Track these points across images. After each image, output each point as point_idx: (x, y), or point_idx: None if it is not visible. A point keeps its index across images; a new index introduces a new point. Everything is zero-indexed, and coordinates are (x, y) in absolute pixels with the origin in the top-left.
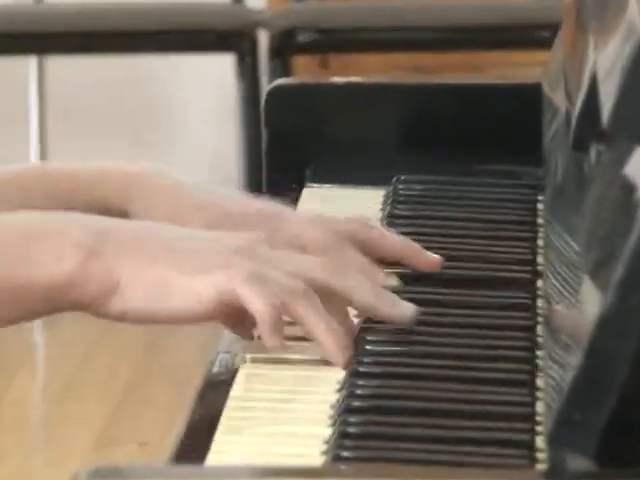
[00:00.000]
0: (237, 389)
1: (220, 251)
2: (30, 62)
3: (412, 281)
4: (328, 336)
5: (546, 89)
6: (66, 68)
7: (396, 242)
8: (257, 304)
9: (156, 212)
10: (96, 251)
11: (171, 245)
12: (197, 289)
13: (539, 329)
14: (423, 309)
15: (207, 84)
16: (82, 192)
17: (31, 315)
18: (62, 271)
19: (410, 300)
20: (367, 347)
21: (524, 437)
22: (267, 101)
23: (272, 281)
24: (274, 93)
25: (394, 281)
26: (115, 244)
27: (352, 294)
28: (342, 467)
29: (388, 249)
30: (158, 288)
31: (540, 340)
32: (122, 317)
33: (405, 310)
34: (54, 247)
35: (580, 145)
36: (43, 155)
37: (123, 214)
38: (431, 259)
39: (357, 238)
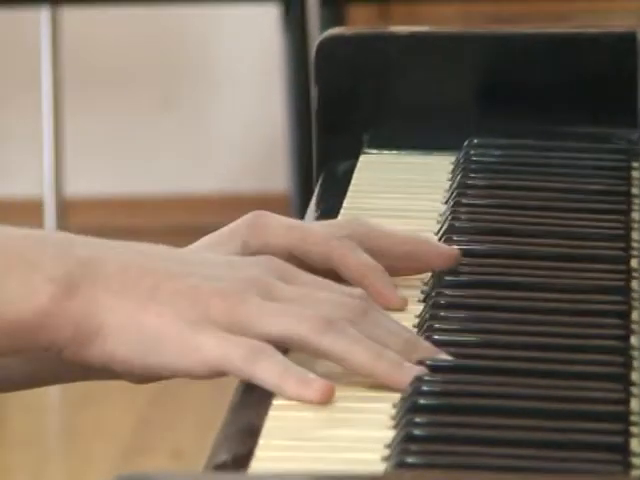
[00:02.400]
0: None
1: (226, 293)
2: (42, 14)
3: (487, 257)
4: (377, 364)
5: None
6: (84, 21)
7: (404, 239)
8: (273, 385)
9: None
10: (74, 287)
11: (167, 283)
12: (198, 346)
13: (635, 315)
14: (498, 293)
15: (248, 38)
16: None
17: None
18: (31, 309)
19: (481, 283)
20: (435, 337)
21: (617, 439)
22: (317, 54)
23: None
24: (325, 45)
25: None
26: (98, 279)
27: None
28: (407, 474)
29: (397, 250)
30: (149, 338)
31: (635, 327)
32: (104, 367)
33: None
34: (23, 280)
35: None
36: (57, 126)
37: None
38: (447, 252)
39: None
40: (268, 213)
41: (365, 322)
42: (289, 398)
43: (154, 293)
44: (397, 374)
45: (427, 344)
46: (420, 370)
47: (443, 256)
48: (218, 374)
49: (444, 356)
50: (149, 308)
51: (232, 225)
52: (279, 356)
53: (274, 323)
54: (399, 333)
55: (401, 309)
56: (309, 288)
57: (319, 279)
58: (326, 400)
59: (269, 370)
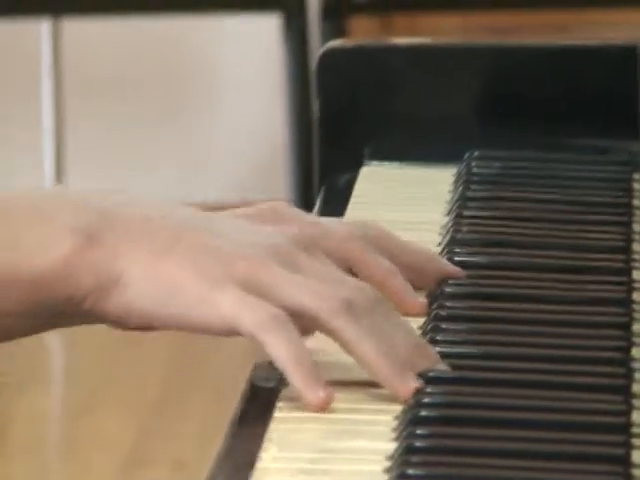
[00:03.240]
0: (286, 397)
1: (249, 256)
2: (43, 25)
3: (488, 269)
4: (384, 366)
5: None
6: (85, 32)
7: (414, 250)
8: (284, 363)
9: None
10: (94, 237)
11: (189, 236)
12: (216, 302)
13: (636, 326)
14: (499, 305)
15: (249, 49)
16: None
17: (22, 308)
18: (52, 259)
19: (482, 295)
20: (437, 348)
21: (618, 451)
22: (319, 66)
23: (310, 291)
24: (327, 57)
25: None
26: (119, 229)
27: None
28: None
29: (405, 259)
30: (168, 289)
31: (636, 339)
32: (123, 318)
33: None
34: (42, 231)
35: None
36: (58, 136)
37: None
38: (453, 274)
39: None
40: (290, 205)
41: (380, 314)
42: (291, 383)
43: (175, 245)
44: (398, 379)
45: (434, 352)
46: (420, 384)
47: (449, 277)
48: (235, 332)
49: (444, 367)
50: (169, 259)
51: (257, 207)
52: (295, 333)
53: (292, 294)
54: (411, 334)
55: (421, 314)
56: (332, 267)
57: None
58: (322, 410)
59: (282, 346)
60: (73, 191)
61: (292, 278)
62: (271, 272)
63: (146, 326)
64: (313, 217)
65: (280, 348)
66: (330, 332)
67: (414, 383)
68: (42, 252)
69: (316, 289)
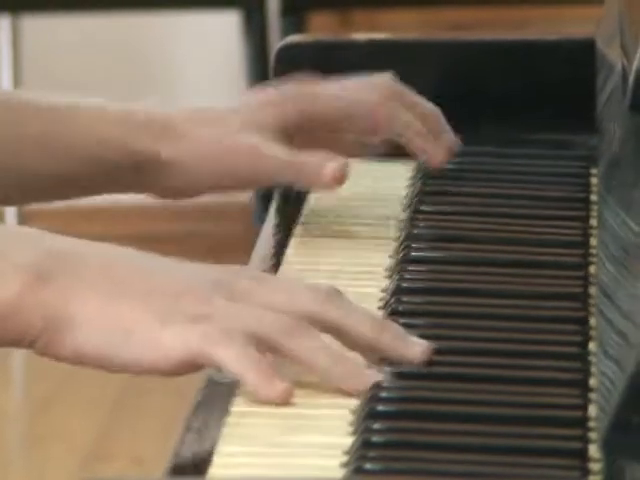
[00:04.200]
0: (243, 393)
1: (195, 290)
2: (2, 22)
3: (446, 264)
4: (336, 368)
5: (600, 45)
6: (44, 29)
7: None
8: (236, 367)
9: (191, 149)
10: (44, 277)
11: (139, 278)
12: (164, 342)
13: (593, 321)
14: (457, 299)
15: (209, 46)
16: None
17: None
18: (2, 301)
19: (440, 290)
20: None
21: (575, 445)
22: (276, 61)
23: (255, 320)
24: (285, 52)
25: None
26: (69, 270)
27: (351, 327)
28: None
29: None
30: (120, 332)
31: (593, 334)
32: (73, 359)
33: (417, 346)
34: None
35: (638, 107)
36: None
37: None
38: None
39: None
40: (316, 82)
41: (333, 313)
42: (248, 386)
43: (126, 287)
44: (353, 380)
45: (395, 325)
46: (378, 376)
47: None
48: (183, 368)
49: (414, 340)
50: (121, 301)
51: (280, 87)
52: (242, 339)
53: (239, 322)
54: (366, 317)
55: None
56: (274, 293)
57: (284, 282)
58: (283, 402)
59: (230, 354)
60: (23, 230)
61: (236, 307)
62: (216, 302)
63: (100, 367)
64: (336, 93)
65: (229, 353)
66: (283, 354)
67: (372, 378)
68: None
69: (260, 315)
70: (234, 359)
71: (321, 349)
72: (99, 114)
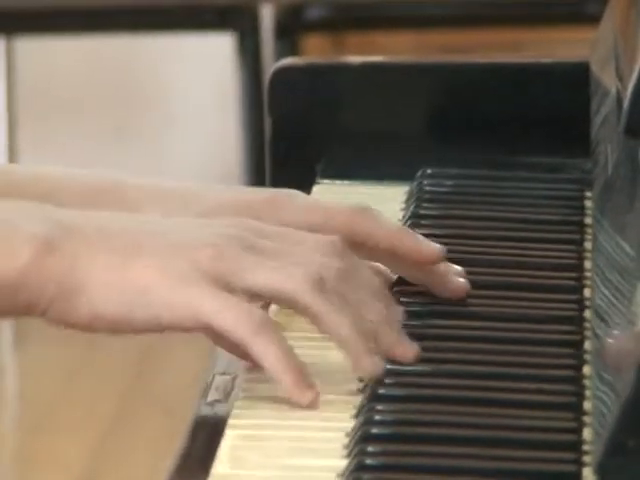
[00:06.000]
0: (237, 415)
1: (212, 245)
2: None
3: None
4: (356, 341)
5: (594, 69)
6: (39, 51)
7: (393, 232)
8: (269, 356)
9: None
10: (55, 245)
11: (149, 239)
12: (191, 300)
13: (587, 344)
14: (452, 322)
15: (203, 68)
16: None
17: None
18: (11, 266)
19: (434, 313)
20: (387, 366)
21: (569, 468)
22: (270, 84)
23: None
24: (278, 75)
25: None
26: (77, 238)
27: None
28: None
29: (383, 240)
30: (135, 292)
31: (588, 357)
32: (89, 324)
33: (409, 348)
34: (2, 240)
35: (633, 131)
36: (12, 154)
37: None
38: (433, 250)
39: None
40: (292, 193)
41: (349, 287)
42: (281, 385)
43: (137, 249)
44: (366, 356)
45: (399, 321)
46: (383, 364)
47: (431, 252)
48: (206, 330)
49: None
50: (134, 262)
51: (251, 195)
52: (279, 334)
53: (262, 277)
54: (379, 301)
55: (438, 260)
56: (291, 244)
57: (295, 232)
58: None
59: (270, 350)
60: (32, 204)
61: (257, 261)
62: (235, 257)
63: (115, 331)
64: (310, 203)
65: (268, 352)
66: (302, 310)
67: (379, 362)
68: (2, 259)
69: (284, 269)
70: (272, 359)
71: (343, 313)
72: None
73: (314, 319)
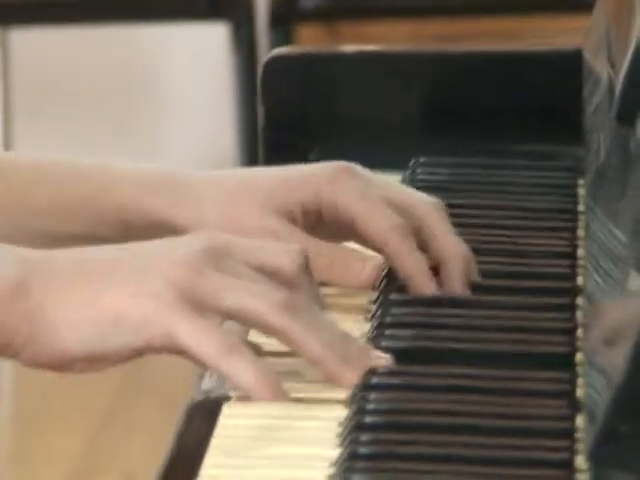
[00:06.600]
0: (231, 405)
1: (183, 263)
2: None
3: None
4: (329, 359)
5: (587, 56)
6: (34, 43)
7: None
8: (245, 377)
9: (211, 219)
10: (24, 285)
11: (119, 267)
12: (165, 323)
13: (580, 332)
14: (443, 310)
15: (198, 58)
16: (124, 201)
17: None
18: None
19: (427, 300)
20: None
21: (562, 456)
22: (264, 74)
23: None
24: (272, 64)
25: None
26: (47, 275)
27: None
28: None
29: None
30: (107, 323)
31: (581, 344)
32: (63, 364)
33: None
34: None
35: (625, 117)
36: (8, 145)
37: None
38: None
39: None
40: (354, 170)
41: (314, 310)
42: (259, 400)
43: (107, 278)
44: (344, 368)
45: (360, 344)
46: (364, 374)
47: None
48: (178, 353)
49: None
50: (103, 293)
51: (319, 168)
52: (251, 355)
53: (234, 297)
54: (335, 327)
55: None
56: (258, 264)
57: (259, 245)
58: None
59: (244, 370)
60: None
61: (228, 281)
62: (207, 275)
63: (91, 368)
64: (364, 191)
65: (244, 374)
66: (274, 331)
67: (357, 371)
68: None
69: (255, 290)
70: (249, 380)
71: (313, 332)
72: (108, 173)
73: (287, 342)
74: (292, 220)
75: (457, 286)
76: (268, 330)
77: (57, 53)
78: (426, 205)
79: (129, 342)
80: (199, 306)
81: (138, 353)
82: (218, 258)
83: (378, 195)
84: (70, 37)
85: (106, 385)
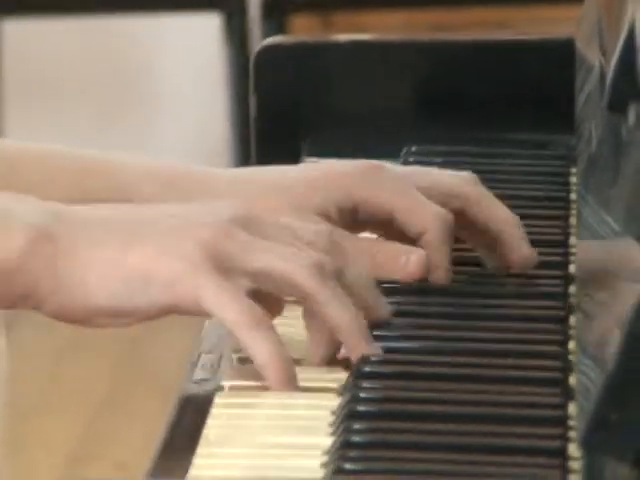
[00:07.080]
0: (223, 395)
1: (211, 226)
2: None
3: None
4: (358, 331)
5: (580, 45)
6: (25, 34)
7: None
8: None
9: None
10: (53, 235)
11: (147, 225)
12: (196, 286)
13: (572, 320)
14: (436, 299)
15: (190, 49)
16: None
17: None
18: (8, 250)
19: (422, 290)
20: (377, 344)
21: (555, 444)
22: (256, 63)
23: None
24: (264, 54)
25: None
26: (75, 229)
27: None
28: None
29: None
30: (135, 279)
31: (573, 333)
32: (88, 318)
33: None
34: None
35: (616, 106)
36: (1, 136)
37: None
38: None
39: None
40: (386, 167)
41: (345, 274)
42: (267, 380)
43: (135, 236)
44: (364, 343)
45: (386, 305)
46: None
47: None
48: (204, 315)
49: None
50: (133, 250)
51: (349, 166)
52: (273, 331)
53: (262, 259)
54: (369, 288)
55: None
56: (293, 232)
57: (292, 222)
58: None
59: (263, 346)
60: (25, 196)
61: (259, 243)
62: (237, 237)
63: (115, 323)
64: (399, 186)
65: (261, 348)
66: (302, 293)
67: (375, 348)
68: None
69: (285, 253)
70: (264, 356)
71: (341, 298)
72: (122, 169)
73: (315, 305)
74: (328, 220)
75: (524, 249)
76: (296, 291)
77: (49, 44)
78: (463, 183)
79: (157, 300)
80: (227, 268)
81: (164, 312)
82: (250, 223)
83: (413, 187)
84: (63, 28)
85: (103, 373)
